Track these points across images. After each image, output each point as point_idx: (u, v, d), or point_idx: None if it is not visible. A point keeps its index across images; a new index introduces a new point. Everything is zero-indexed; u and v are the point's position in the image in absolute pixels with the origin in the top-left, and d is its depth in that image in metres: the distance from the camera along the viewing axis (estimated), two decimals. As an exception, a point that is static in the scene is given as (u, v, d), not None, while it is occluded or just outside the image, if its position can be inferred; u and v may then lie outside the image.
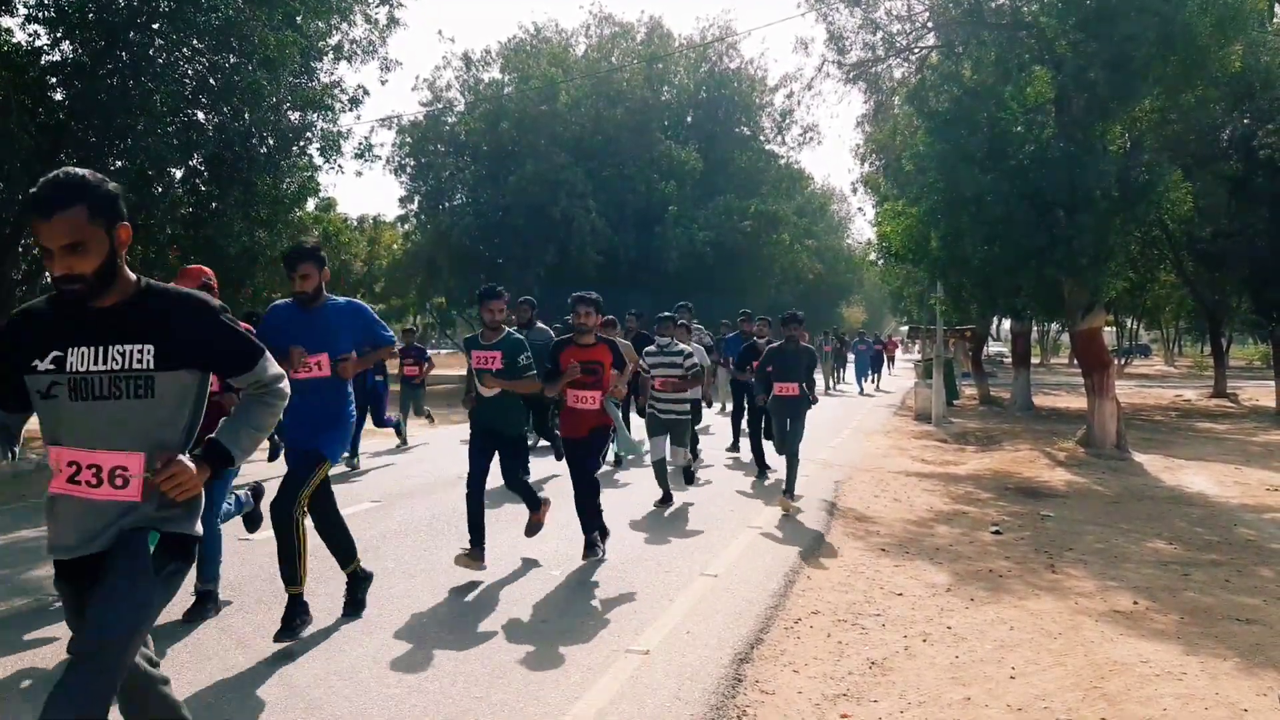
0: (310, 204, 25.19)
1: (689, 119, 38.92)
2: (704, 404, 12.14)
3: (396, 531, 7.63)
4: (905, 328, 36.05)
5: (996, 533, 8.04)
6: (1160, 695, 4.32)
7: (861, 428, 17.34)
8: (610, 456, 10.88)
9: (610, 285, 27.85)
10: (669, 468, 8.84)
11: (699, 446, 11.72)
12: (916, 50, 14.45)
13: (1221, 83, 13.19)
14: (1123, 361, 40.79)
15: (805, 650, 4.94)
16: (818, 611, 5.64)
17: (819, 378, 26.80)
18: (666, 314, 9.34)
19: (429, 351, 15.10)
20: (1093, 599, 5.95)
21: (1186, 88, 12.14)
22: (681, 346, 8.95)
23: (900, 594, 6.04)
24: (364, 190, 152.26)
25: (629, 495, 9.41)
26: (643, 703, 4.18)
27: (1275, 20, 16.47)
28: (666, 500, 8.93)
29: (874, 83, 15.13)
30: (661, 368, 8.77)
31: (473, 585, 6.06)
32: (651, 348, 9.05)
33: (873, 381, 29.09)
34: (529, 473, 7.03)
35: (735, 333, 14.02)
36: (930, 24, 14.04)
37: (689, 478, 9.45)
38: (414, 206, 35.43)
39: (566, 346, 6.55)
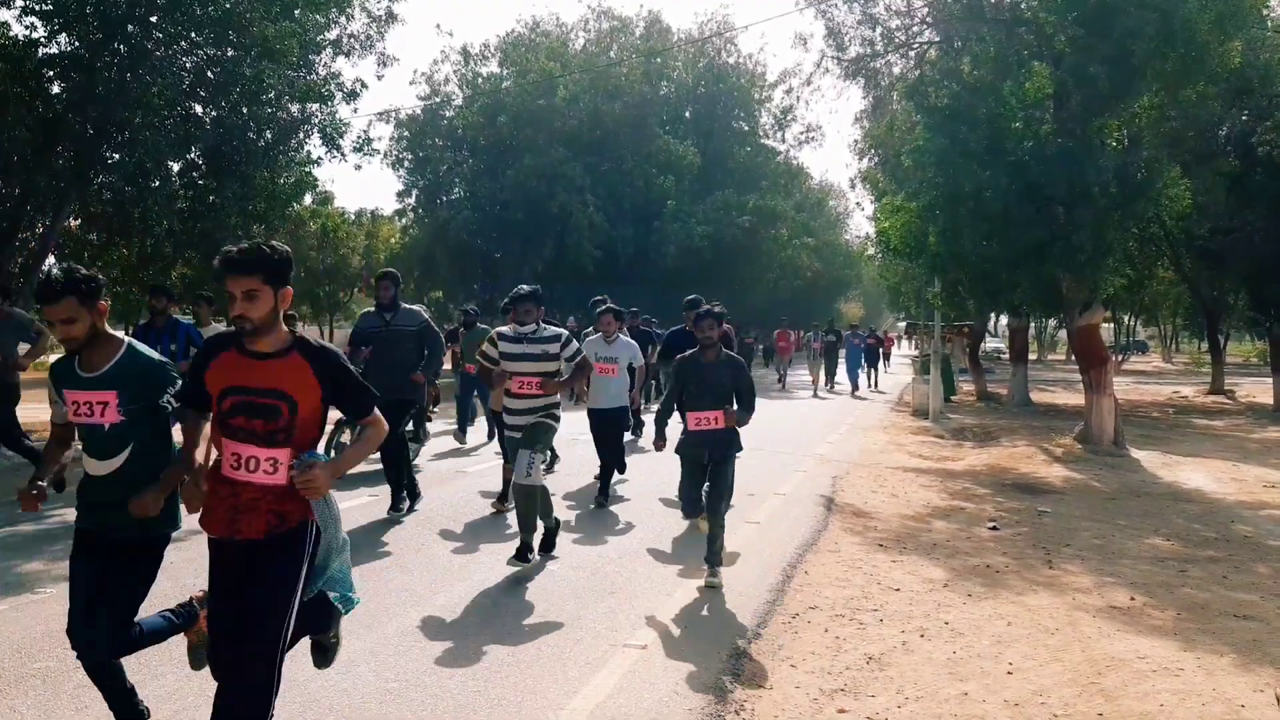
0: (307, 198, 25.22)
1: (687, 114, 38.92)
2: (633, 414, 9.89)
3: (393, 524, 7.62)
4: (903, 323, 35.97)
5: (994, 528, 8.04)
6: (1157, 691, 4.33)
7: (859, 424, 17.34)
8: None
9: (608, 281, 27.89)
10: (524, 482, 6.12)
11: (620, 479, 9.45)
12: (915, 46, 14.44)
13: (1221, 79, 13.16)
14: (1120, 358, 40.83)
15: (803, 645, 4.95)
16: (815, 606, 5.64)
17: (804, 373, 25.87)
18: (525, 289, 6.52)
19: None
20: (1090, 595, 5.96)
21: (1186, 84, 12.12)
22: (557, 332, 6.51)
23: (898, 589, 6.04)
24: (362, 184, 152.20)
25: (622, 488, 9.39)
26: (640, 697, 4.19)
27: (1274, 17, 16.46)
28: (522, 555, 6.09)
29: (873, 78, 15.11)
30: (520, 361, 6.32)
31: (470, 580, 6.05)
32: (506, 330, 6.49)
33: (868, 379, 26.63)
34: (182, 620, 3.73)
35: (678, 326, 10.13)
36: (929, 19, 14.02)
37: (547, 540, 6.51)
38: (411, 201, 35.43)
39: (216, 355, 3.23)
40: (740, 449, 6.30)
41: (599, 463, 8.99)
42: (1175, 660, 4.73)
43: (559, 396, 6.50)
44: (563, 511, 7.93)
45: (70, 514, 7.35)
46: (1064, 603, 5.76)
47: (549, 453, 9.91)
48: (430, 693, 4.18)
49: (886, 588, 6.09)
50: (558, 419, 6.52)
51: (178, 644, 4.66)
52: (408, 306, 8.15)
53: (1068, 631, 5.20)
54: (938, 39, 14.04)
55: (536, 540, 6.30)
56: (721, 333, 6.16)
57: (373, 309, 8.22)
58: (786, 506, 8.78)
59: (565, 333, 6.57)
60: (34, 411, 13.33)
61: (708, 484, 6.11)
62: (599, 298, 10.58)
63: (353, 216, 39.27)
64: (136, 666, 4.36)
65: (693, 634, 5.06)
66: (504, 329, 6.54)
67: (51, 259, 15.49)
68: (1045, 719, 4.04)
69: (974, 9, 12.68)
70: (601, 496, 8.69)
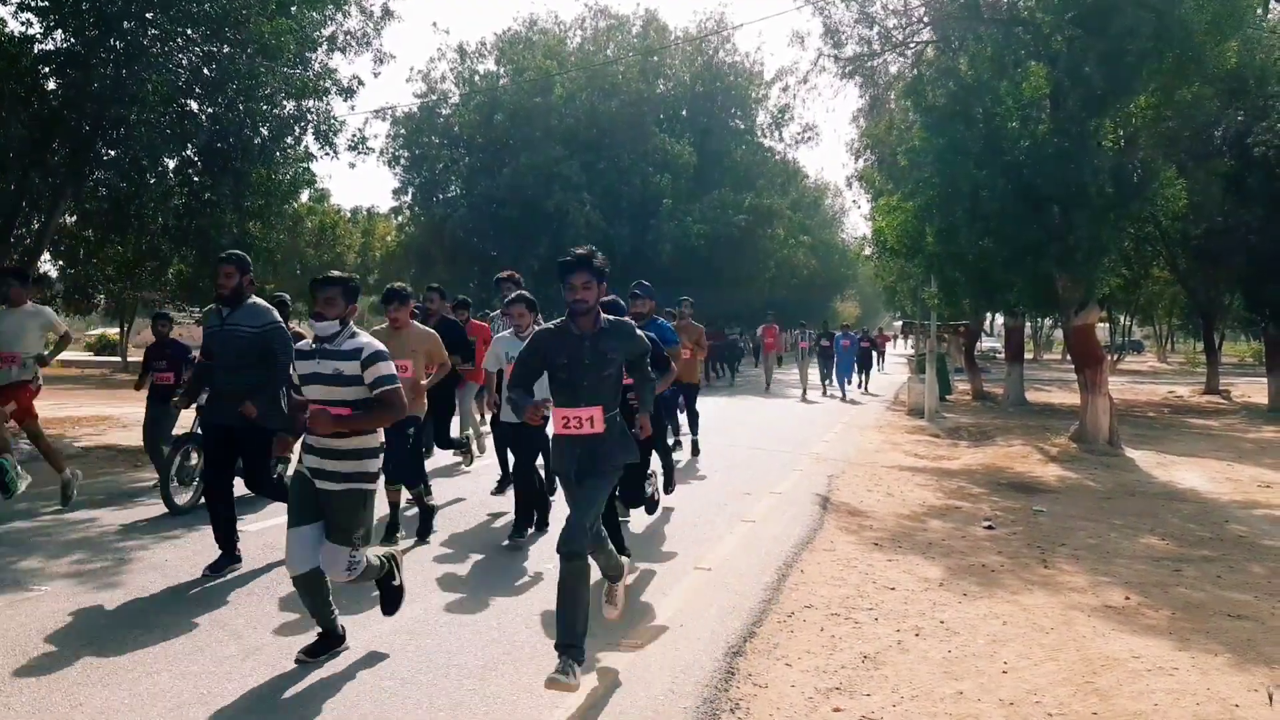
0: (304, 195, 25.17)
1: (684, 112, 38.86)
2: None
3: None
4: (899, 322, 35.96)
5: (989, 528, 8.05)
6: (1152, 690, 4.34)
7: (854, 423, 17.37)
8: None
9: (604, 279, 27.83)
10: (343, 579, 4.46)
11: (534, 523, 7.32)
12: (912, 45, 14.43)
13: (1217, 79, 13.20)
14: (1115, 357, 40.91)
15: (798, 644, 4.95)
16: (811, 605, 5.64)
17: (803, 370, 25.59)
18: (333, 273, 4.67)
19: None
20: (1085, 594, 5.97)
21: (1182, 84, 12.16)
22: (360, 344, 4.45)
23: (893, 588, 6.05)
24: (358, 182, 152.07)
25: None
26: (637, 696, 4.19)
27: (1270, 17, 16.50)
28: (323, 646, 4.52)
29: (870, 77, 15.10)
30: (310, 385, 4.48)
31: (465, 580, 6.06)
32: (305, 344, 4.61)
33: (859, 383, 25.61)
34: None
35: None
36: (926, 19, 14.02)
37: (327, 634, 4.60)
38: (408, 198, 35.42)
39: None
40: (635, 460, 4.62)
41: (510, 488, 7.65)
42: (1170, 660, 4.74)
43: (373, 437, 4.54)
44: (557, 512, 7.94)
45: (70, 514, 7.32)
46: (1059, 602, 5.77)
47: (468, 444, 9.81)
48: (425, 691, 4.17)
49: (882, 586, 6.09)
50: (374, 477, 4.54)
51: (173, 643, 4.65)
52: (255, 301, 6.16)
53: (1063, 631, 5.21)
54: (935, 38, 14.04)
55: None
56: (600, 296, 4.41)
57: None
58: (782, 505, 8.79)
59: (371, 345, 4.48)
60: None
61: (578, 496, 4.36)
62: (503, 274, 8.77)
63: (349, 214, 39.26)
64: (130, 664, 4.35)
65: (688, 633, 5.05)
66: (303, 344, 4.66)
67: (47, 256, 15.45)
68: (1040, 718, 4.05)
69: (971, 8, 12.69)
70: (516, 534, 7.02)
